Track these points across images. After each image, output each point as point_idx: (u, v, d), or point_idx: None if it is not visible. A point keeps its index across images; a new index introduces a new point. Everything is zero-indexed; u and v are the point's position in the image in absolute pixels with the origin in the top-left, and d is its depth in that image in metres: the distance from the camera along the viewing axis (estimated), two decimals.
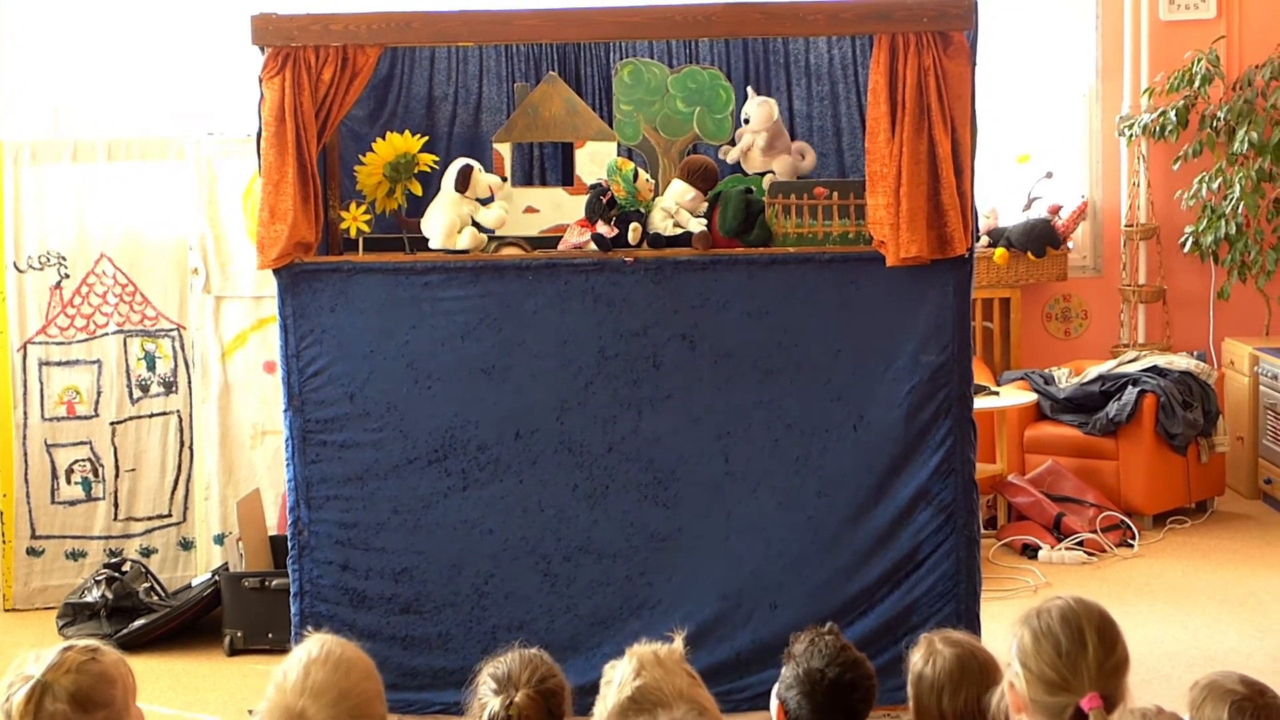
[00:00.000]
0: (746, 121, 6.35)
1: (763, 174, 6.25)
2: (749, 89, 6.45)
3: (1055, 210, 9.29)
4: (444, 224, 5.77)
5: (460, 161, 5.91)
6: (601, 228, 5.79)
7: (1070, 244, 9.40)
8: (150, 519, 7.51)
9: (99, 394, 7.46)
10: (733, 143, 6.43)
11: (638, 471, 5.76)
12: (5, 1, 9.20)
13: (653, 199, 5.95)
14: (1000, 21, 8.62)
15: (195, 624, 6.92)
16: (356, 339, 5.74)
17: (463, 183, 5.80)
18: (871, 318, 5.69)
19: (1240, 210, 8.94)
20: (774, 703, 3.75)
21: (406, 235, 5.91)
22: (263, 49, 5.65)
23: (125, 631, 6.75)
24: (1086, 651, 3.23)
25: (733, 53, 6.74)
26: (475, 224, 5.85)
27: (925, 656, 3.79)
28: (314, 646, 3.30)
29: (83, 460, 7.47)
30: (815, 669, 3.68)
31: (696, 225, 5.84)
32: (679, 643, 3.63)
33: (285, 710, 3.20)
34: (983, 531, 6.16)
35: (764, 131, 6.31)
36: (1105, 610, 3.34)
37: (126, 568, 7.12)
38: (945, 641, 3.81)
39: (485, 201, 5.98)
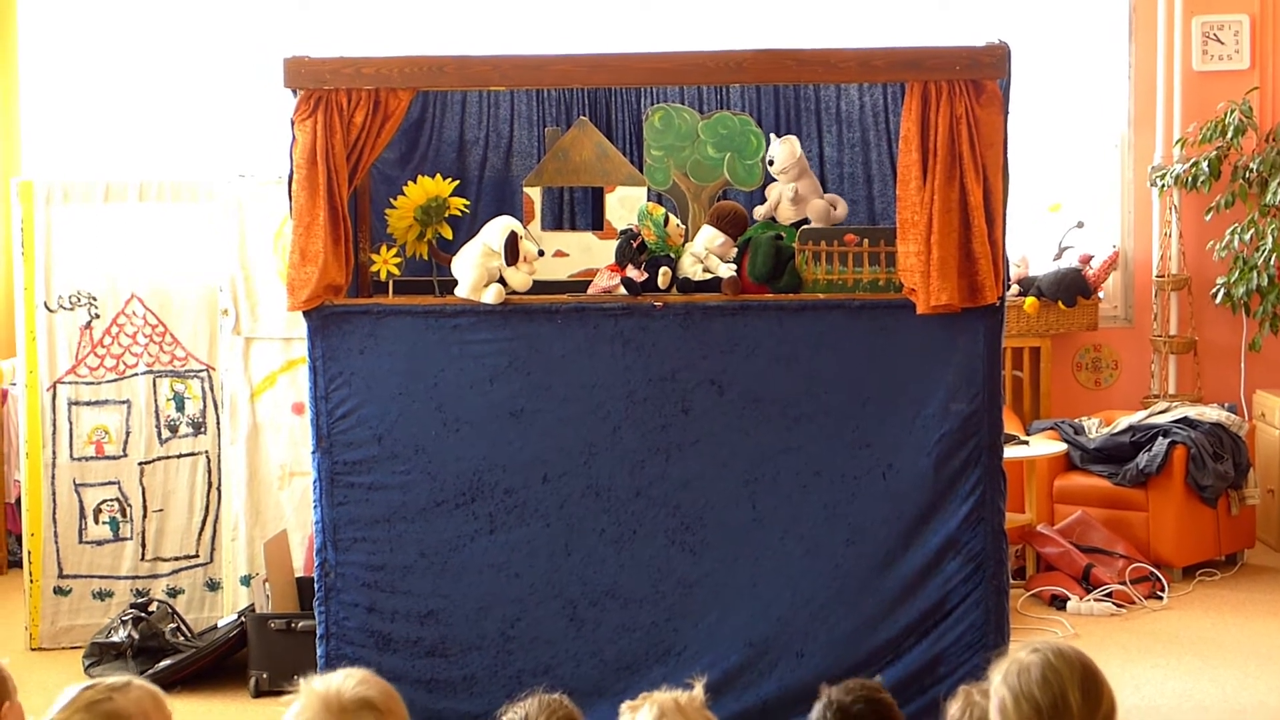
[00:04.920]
0: (771, 163, 6.35)
1: (798, 223, 6.24)
2: (771, 135, 6.45)
3: (1086, 260, 9.27)
4: (472, 278, 5.76)
5: (506, 228, 5.83)
6: (631, 272, 5.79)
7: (1101, 294, 9.39)
8: (177, 559, 7.51)
9: (128, 434, 7.46)
10: (763, 199, 6.43)
11: (665, 516, 5.74)
12: (39, 44, 9.28)
13: (683, 244, 5.95)
14: (1032, 70, 8.62)
15: (221, 665, 6.91)
16: (385, 381, 5.75)
17: (512, 256, 5.77)
18: (901, 365, 5.67)
19: (1272, 262, 8.90)
20: None
21: (436, 278, 5.92)
22: (295, 92, 5.67)
23: (151, 672, 6.72)
24: (1071, 710, 3.16)
25: (764, 99, 6.75)
26: (502, 280, 5.82)
27: (963, 708, 3.77)
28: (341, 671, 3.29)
29: (111, 500, 7.47)
30: (836, 699, 3.77)
31: (726, 271, 5.84)
32: (699, 690, 3.62)
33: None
34: (1011, 582, 6.12)
35: (790, 172, 6.30)
36: (1088, 660, 3.27)
37: (153, 608, 7.12)
38: (983, 694, 3.78)
39: None
